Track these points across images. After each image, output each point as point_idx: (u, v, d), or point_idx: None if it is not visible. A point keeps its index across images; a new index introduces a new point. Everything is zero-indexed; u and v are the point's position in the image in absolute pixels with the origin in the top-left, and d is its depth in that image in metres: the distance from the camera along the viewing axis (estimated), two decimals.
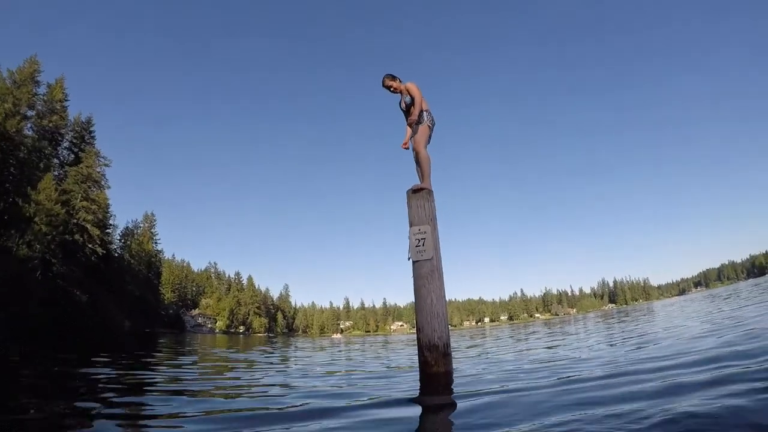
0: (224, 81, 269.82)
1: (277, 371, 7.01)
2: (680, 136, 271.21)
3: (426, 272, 4.18)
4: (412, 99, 5.38)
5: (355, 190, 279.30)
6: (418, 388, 3.83)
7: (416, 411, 2.90)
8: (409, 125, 5.39)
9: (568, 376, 3.61)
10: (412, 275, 4.31)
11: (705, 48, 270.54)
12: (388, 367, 6.99)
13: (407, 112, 5.50)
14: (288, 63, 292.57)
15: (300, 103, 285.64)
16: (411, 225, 4.43)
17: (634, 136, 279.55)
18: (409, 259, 4.34)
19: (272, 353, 13.68)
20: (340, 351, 15.01)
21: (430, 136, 5.40)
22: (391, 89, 5.64)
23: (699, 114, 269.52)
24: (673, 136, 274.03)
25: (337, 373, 6.17)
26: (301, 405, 3.21)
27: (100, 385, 4.61)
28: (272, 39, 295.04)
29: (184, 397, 3.80)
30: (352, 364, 8.39)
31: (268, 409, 3.19)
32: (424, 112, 5.35)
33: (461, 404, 2.85)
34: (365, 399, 3.33)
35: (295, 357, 11.92)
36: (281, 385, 4.70)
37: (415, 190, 4.65)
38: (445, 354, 4.00)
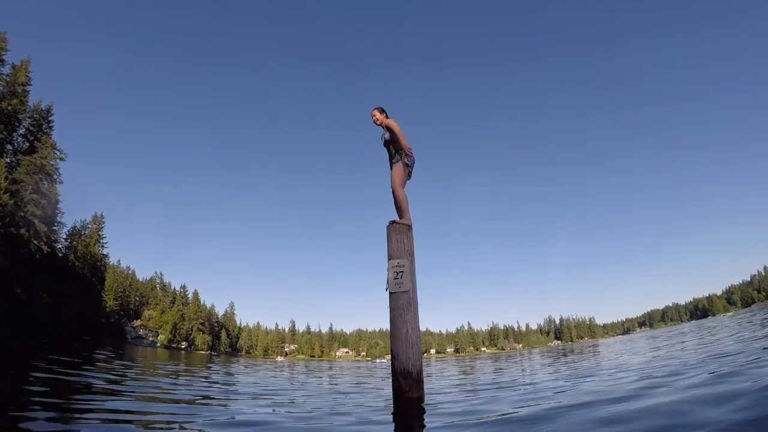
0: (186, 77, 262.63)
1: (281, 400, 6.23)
2: (630, 179, 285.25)
3: (403, 304, 4.36)
4: (392, 135, 5.41)
5: (309, 212, 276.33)
6: (391, 413, 4.10)
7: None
8: (396, 154, 5.44)
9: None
10: (388, 306, 4.45)
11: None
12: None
13: (388, 149, 5.59)
14: (253, 56, 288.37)
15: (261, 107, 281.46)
16: (390, 258, 4.60)
17: (581, 177, 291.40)
18: (386, 290, 4.48)
19: (233, 375, 12.84)
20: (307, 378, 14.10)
21: (408, 174, 5.41)
22: (373, 119, 5.64)
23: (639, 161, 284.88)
24: (622, 178, 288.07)
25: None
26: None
27: None
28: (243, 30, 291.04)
29: None
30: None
31: None
32: (401, 153, 5.35)
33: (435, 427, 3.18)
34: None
35: (256, 380, 11.02)
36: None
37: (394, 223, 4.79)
38: (419, 380, 4.17)
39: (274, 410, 4.65)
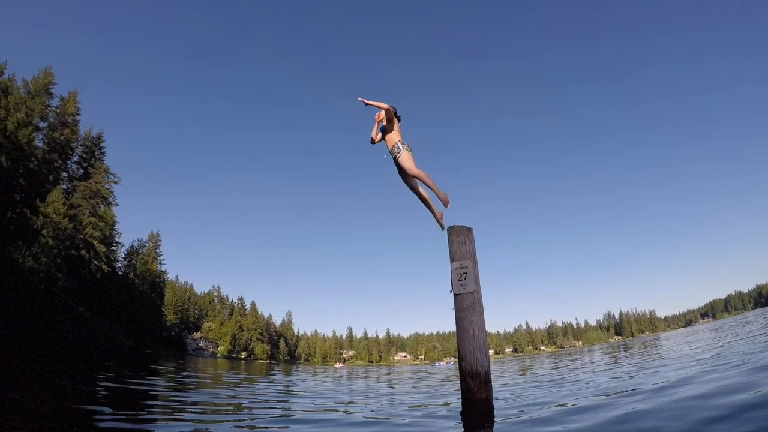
0: (234, 102, 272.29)
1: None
2: (685, 168, 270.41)
3: (468, 305, 4.40)
4: (387, 115, 5.60)
5: (361, 220, 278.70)
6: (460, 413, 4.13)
7: None
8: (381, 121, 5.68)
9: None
10: (454, 307, 4.50)
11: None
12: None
13: (377, 138, 5.83)
14: (307, 82, 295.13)
15: (310, 126, 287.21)
16: (452, 260, 4.65)
17: (638, 169, 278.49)
18: (451, 291, 4.54)
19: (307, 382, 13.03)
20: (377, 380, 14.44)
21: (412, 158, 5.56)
22: (377, 118, 5.78)
23: (701, 150, 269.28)
24: (677, 167, 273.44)
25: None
26: None
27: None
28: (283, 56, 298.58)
29: None
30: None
31: None
32: (399, 143, 5.50)
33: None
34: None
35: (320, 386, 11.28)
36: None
37: (449, 227, 4.85)
38: (486, 381, 4.18)
39: (346, 411, 4.93)
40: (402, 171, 5.52)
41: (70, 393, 4.52)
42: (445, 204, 5.31)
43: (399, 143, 5.48)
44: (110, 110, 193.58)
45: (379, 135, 5.76)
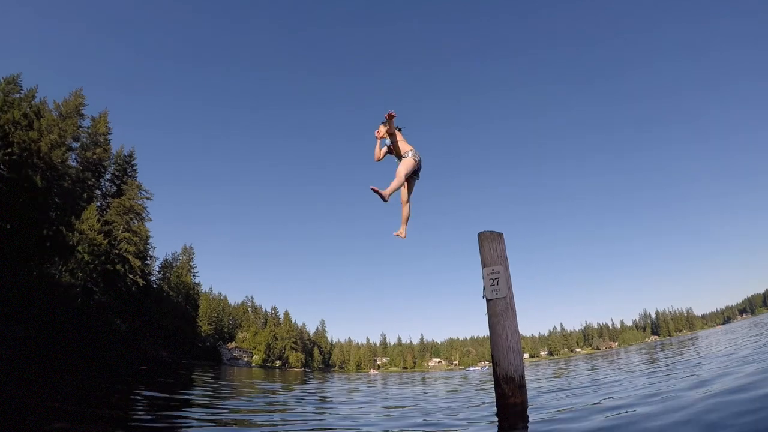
0: (271, 112, 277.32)
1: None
2: (715, 162, 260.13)
3: (501, 309, 4.41)
4: (391, 139, 5.58)
5: (393, 227, 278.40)
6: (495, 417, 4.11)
7: None
8: (387, 131, 5.61)
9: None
10: (486, 313, 4.52)
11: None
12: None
13: (381, 155, 5.79)
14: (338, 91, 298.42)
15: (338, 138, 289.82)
16: (484, 266, 4.65)
17: (670, 164, 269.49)
18: (483, 297, 4.55)
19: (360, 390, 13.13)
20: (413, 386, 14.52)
21: (416, 172, 5.58)
22: (377, 134, 5.75)
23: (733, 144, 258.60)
24: (711, 161, 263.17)
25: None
26: None
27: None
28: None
29: None
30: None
31: None
32: (411, 152, 5.48)
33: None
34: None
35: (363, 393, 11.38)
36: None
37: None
38: (521, 386, 4.20)
39: (388, 414, 5.11)
40: (416, 173, 5.58)
41: (107, 401, 4.64)
42: (384, 197, 5.13)
43: (411, 152, 5.47)
44: (140, 120, 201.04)
45: (383, 150, 5.72)
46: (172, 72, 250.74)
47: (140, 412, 4.03)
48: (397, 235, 5.55)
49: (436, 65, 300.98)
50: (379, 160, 5.76)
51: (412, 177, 5.55)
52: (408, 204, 5.56)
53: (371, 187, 4.98)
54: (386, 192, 5.10)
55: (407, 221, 5.58)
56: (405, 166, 5.34)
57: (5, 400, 3.91)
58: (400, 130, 5.69)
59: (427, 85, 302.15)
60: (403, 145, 5.54)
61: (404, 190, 5.52)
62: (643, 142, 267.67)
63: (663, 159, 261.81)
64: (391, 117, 5.29)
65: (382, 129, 5.60)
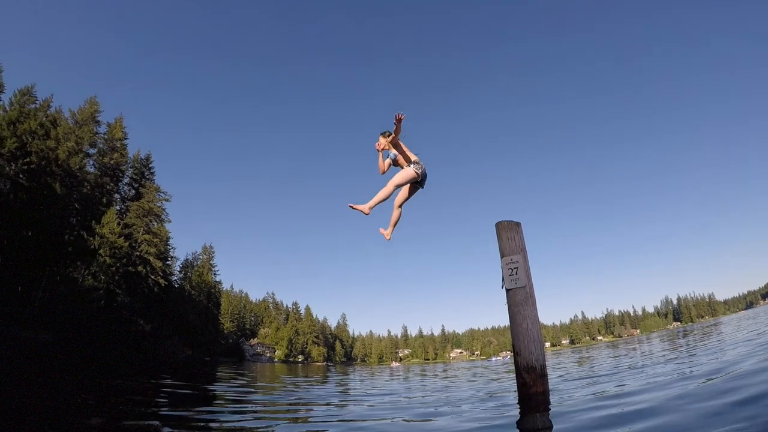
0: (278, 106, 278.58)
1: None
2: (737, 145, 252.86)
3: (521, 299, 4.41)
4: (397, 149, 5.34)
5: (412, 219, 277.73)
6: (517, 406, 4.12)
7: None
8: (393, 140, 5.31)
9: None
10: (506, 303, 4.53)
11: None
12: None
13: (386, 167, 5.55)
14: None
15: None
16: (502, 255, 4.65)
17: (688, 148, 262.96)
18: (502, 287, 4.55)
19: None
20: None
21: (420, 183, 5.38)
22: (377, 146, 5.45)
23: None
24: (729, 145, 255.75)
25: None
26: None
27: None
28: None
29: None
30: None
31: None
32: (414, 163, 5.30)
33: (561, 422, 3.10)
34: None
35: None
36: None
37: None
38: (542, 375, 4.21)
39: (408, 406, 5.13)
40: (423, 180, 5.40)
41: (137, 398, 4.83)
42: (365, 212, 5.12)
43: (414, 164, 5.31)
44: (154, 118, 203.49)
45: (387, 162, 5.53)
46: (184, 68, 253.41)
47: (167, 408, 4.17)
48: (382, 234, 5.52)
49: (454, 53, 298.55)
50: (384, 173, 5.56)
51: (415, 185, 5.41)
52: (400, 209, 5.47)
53: (349, 204, 4.98)
54: (366, 207, 5.06)
55: (395, 225, 5.52)
56: (401, 177, 5.22)
57: (43, 399, 4.11)
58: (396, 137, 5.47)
59: (447, 73, 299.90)
60: (409, 155, 5.37)
61: (403, 194, 5.43)
62: (667, 123, 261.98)
63: (682, 142, 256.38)
64: (399, 120, 4.90)
65: (382, 141, 5.34)
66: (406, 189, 5.41)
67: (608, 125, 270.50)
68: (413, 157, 5.33)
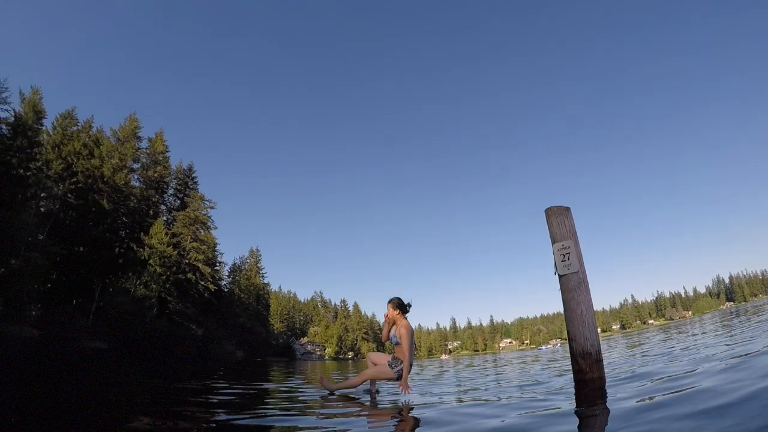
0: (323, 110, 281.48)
1: None
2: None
3: (574, 285, 4.39)
4: (401, 341, 5.16)
5: (456, 211, 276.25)
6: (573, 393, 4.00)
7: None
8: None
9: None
10: (559, 289, 4.52)
11: None
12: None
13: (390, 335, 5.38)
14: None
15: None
16: (553, 242, 4.63)
17: (738, 124, 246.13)
18: (555, 273, 4.53)
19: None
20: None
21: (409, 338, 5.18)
22: (386, 315, 5.36)
23: None
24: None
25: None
26: None
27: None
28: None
29: None
30: None
31: None
32: (395, 362, 5.17)
33: (618, 408, 2.97)
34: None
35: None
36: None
37: (554, 215, 4.75)
38: (598, 360, 4.20)
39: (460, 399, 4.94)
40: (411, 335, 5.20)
41: (187, 400, 4.84)
42: (331, 388, 5.27)
43: (396, 360, 5.17)
44: (195, 122, 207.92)
45: (393, 330, 5.32)
46: (214, 73, 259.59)
47: (219, 410, 4.22)
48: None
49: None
50: (386, 341, 5.46)
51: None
52: (362, 384, 5.36)
53: (319, 377, 5.16)
54: (336, 387, 5.23)
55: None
56: (376, 372, 5.15)
57: (97, 401, 4.31)
58: (408, 308, 5.32)
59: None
60: (402, 347, 5.16)
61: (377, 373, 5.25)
62: (719, 101, 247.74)
63: (729, 117, 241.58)
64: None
65: (390, 311, 5.26)
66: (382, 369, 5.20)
67: (646, 99, 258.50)
68: (405, 353, 5.06)
